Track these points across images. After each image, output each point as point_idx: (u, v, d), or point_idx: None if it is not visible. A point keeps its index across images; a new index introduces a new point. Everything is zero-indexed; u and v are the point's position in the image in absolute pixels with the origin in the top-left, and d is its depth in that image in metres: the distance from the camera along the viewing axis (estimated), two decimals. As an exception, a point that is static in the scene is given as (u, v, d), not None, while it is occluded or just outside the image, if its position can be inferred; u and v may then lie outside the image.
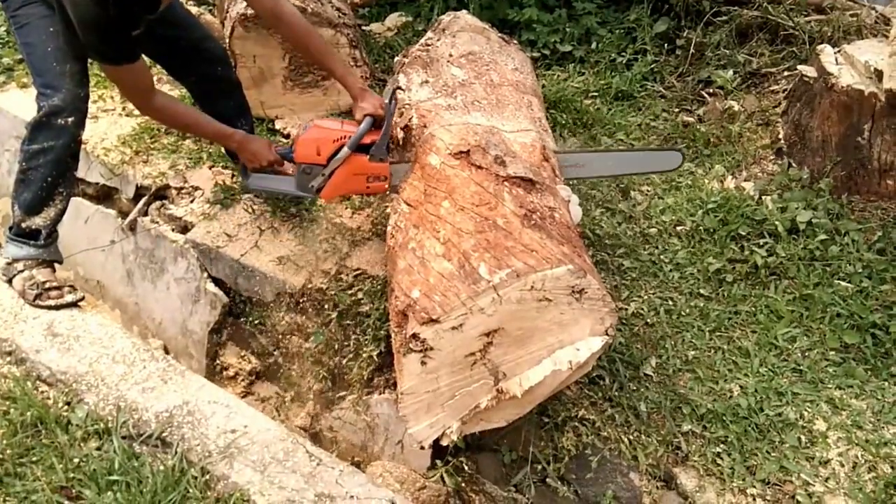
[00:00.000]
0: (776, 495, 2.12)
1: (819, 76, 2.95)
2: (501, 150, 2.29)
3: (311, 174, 2.49)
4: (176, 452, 1.85)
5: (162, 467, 1.80)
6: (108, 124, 3.39)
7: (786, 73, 3.45)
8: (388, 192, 2.57)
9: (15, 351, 2.15)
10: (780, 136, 3.16)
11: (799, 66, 3.11)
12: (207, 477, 1.80)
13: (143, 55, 2.75)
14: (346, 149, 2.43)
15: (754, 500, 2.12)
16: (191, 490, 1.77)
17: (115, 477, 1.80)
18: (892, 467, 2.11)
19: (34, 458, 1.87)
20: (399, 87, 2.87)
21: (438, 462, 2.51)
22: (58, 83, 2.38)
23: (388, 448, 2.63)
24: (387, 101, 2.51)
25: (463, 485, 2.54)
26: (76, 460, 1.85)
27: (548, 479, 2.40)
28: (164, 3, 2.28)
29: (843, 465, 2.16)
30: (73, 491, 1.80)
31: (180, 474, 1.80)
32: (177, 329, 3.01)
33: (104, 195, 3.28)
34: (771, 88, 3.48)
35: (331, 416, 2.74)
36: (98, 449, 1.88)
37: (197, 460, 1.84)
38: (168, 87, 3.63)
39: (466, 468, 2.52)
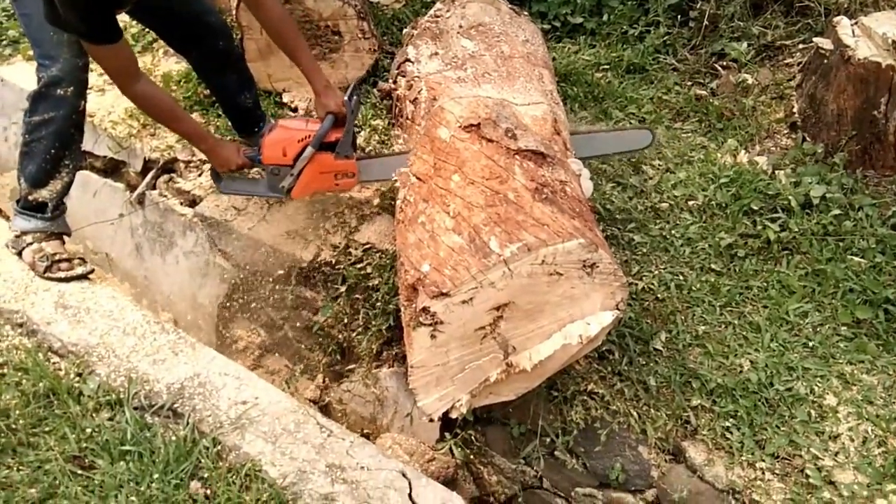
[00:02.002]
0: (785, 469, 2.12)
1: (835, 48, 2.89)
2: (512, 123, 2.26)
3: (279, 175, 2.52)
4: (188, 423, 1.86)
5: (174, 438, 1.82)
6: (115, 97, 3.36)
7: (801, 46, 3.38)
8: (358, 188, 2.58)
9: (26, 322, 2.16)
10: (795, 109, 3.11)
11: (814, 39, 3.05)
12: (219, 447, 1.82)
13: (150, 29, 2.72)
14: (310, 148, 2.45)
15: (763, 473, 2.12)
16: (203, 460, 1.78)
17: (127, 447, 1.81)
18: (902, 442, 2.11)
19: (47, 429, 1.89)
20: (407, 62, 2.84)
21: (447, 435, 2.53)
22: (55, 53, 2.36)
23: (397, 421, 2.64)
24: (347, 97, 2.50)
25: (472, 457, 2.56)
26: (88, 430, 1.86)
27: (556, 452, 2.41)
28: None
29: (853, 440, 2.15)
30: (86, 460, 1.81)
31: (192, 444, 1.81)
32: (186, 303, 3.02)
33: (112, 168, 3.27)
34: (785, 61, 3.42)
35: (340, 389, 2.75)
36: (110, 419, 1.89)
37: (209, 431, 1.85)
38: (174, 60, 3.61)
39: (475, 441, 2.54)
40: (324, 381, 2.81)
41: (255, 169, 2.66)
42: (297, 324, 2.87)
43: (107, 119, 3.22)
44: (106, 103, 3.30)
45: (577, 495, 2.45)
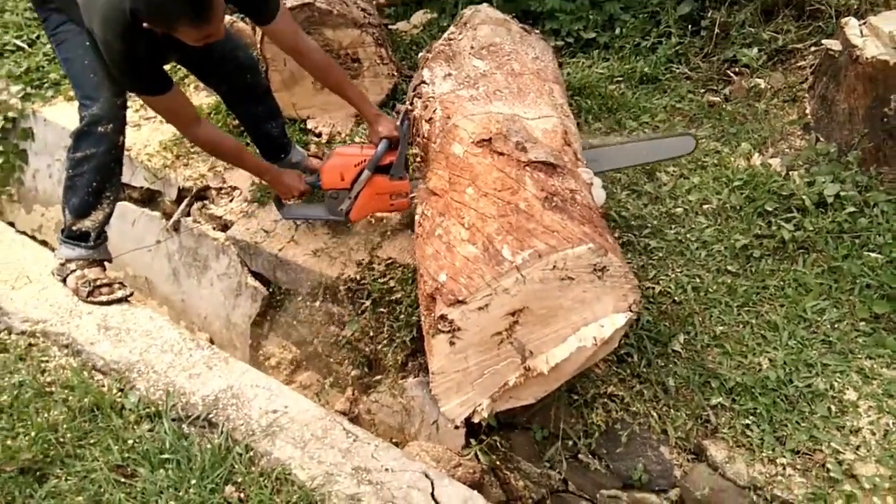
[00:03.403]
0: (806, 464, 2.14)
1: (844, 49, 2.93)
2: (522, 136, 2.35)
3: (338, 199, 2.69)
4: (222, 432, 1.97)
5: (209, 446, 1.93)
6: (150, 131, 3.55)
7: (812, 49, 3.41)
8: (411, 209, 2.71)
9: (71, 344, 2.30)
10: (807, 111, 3.14)
11: (824, 41, 3.09)
12: (251, 453, 1.92)
13: (184, 67, 2.89)
14: (366, 171, 2.61)
15: (784, 469, 2.14)
16: (236, 466, 1.88)
17: (166, 455, 1.93)
18: (924, 435, 2.11)
19: (92, 441, 2.01)
20: (423, 84, 2.96)
21: (473, 441, 2.60)
22: (95, 94, 2.52)
23: (424, 429, 2.71)
24: (399, 122, 2.64)
25: (497, 462, 2.62)
26: (130, 441, 1.98)
27: (579, 455, 2.46)
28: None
29: (874, 434, 2.16)
30: (129, 469, 1.93)
31: (226, 452, 1.92)
32: (221, 322, 3.15)
33: (148, 198, 3.44)
34: (798, 64, 3.45)
35: (368, 400, 2.84)
36: (150, 430, 2.01)
37: (241, 438, 1.96)
38: (204, 94, 3.79)
39: (500, 446, 2.60)
40: (353, 394, 2.91)
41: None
42: (326, 339, 2.98)
43: (143, 152, 3.40)
44: (142, 137, 3.49)
45: (602, 497, 2.48)
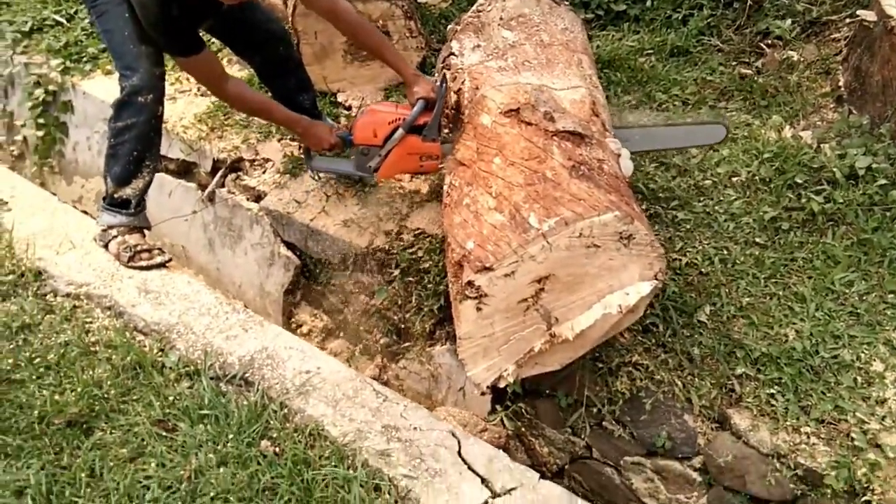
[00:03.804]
0: (831, 433, 2.15)
1: (879, 20, 2.88)
2: (550, 106, 2.37)
3: (368, 155, 2.70)
4: (258, 390, 2.05)
5: (246, 403, 2.01)
6: (185, 104, 3.63)
7: (847, 21, 3.35)
8: (440, 172, 2.73)
9: (114, 306, 2.40)
10: (840, 83, 3.10)
11: (859, 12, 3.04)
12: (286, 411, 2.00)
13: (218, 39, 2.95)
14: (400, 130, 2.62)
15: (808, 437, 2.16)
16: (272, 422, 1.97)
17: (205, 411, 2.01)
18: (949, 405, 2.11)
19: (134, 397, 2.11)
20: (451, 55, 2.98)
21: (498, 407, 2.65)
22: (135, 64, 2.59)
23: (450, 395, 2.78)
24: (438, 83, 2.65)
25: (522, 429, 2.68)
26: (170, 398, 2.08)
27: (604, 422, 2.50)
28: (225, 3, 2.45)
29: (900, 404, 2.17)
30: (169, 424, 2.02)
31: (262, 409, 2.00)
32: (255, 291, 3.24)
33: (185, 170, 3.53)
34: (832, 36, 3.40)
35: (397, 367, 2.91)
36: (189, 388, 2.10)
37: (276, 397, 2.04)
38: (237, 68, 3.85)
39: (525, 413, 2.65)
40: (382, 361, 2.98)
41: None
42: (357, 307, 3.05)
43: (178, 125, 3.48)
44: (178, 110, 3.57)
45: (626, 464, 2.53)
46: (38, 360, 2.21)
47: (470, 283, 2.08)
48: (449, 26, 3.29)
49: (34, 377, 2.16)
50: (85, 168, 3.98)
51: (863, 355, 2.29)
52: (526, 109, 2.36)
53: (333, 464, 1.83)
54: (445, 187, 2.54)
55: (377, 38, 2.73)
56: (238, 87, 2.62)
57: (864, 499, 2.03)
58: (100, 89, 3.85)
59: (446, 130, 2.89)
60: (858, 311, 2.40)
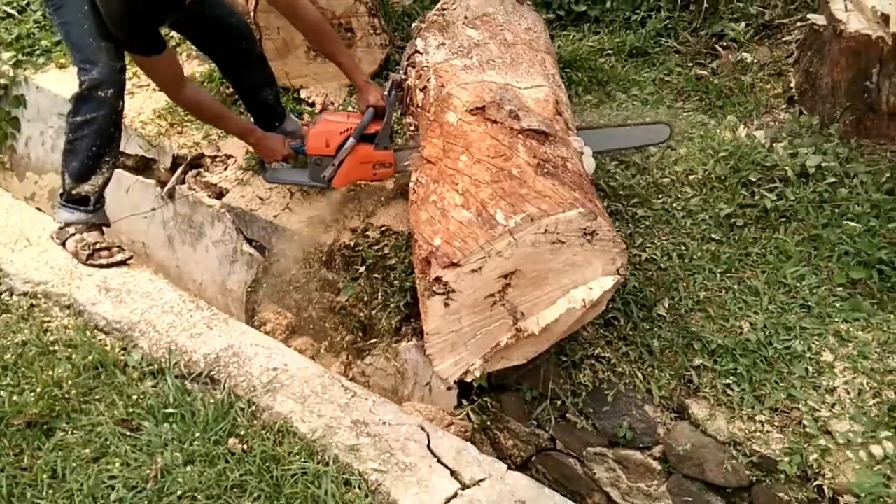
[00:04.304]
0: (784, 421, 2.24)
1: (828, 23, 2.99)
2: (515, 104, 2.40)
3: (321, 165, 2.70)
4: (224, 388, 2.04)
5: (212, 400, 1.99)
6: (144, 99, 3.57)
7: (798, 24, 3.48)
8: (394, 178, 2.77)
9: (73, 304, 2.35)
10: (792, 84, 3.22)
11: (809, 15, 3.15)
12: (254, 408, 1.99)
13: (179, 34, 2.91)
14: (352, 139, 2.63)
15: (763, 425, 2.24)
16: (239, 419, 1.96)
17: (170, 410, 1.99)
18: (895, 393, 2.21)
19: (96, 397, 2.07)
20: (416, 53, 3.00)
21: (465, 402, 2.69)
22: (95, 58, 2.54)
23: (417, 391, 2.80)
24: (387, 92, 2.66)
25: (488, 423, 2.72)
26: (134, 397, 2.05)
27: (567, 415, 2.55)
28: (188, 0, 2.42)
29: (848, 393, 2.25)
30: (133, 423, 1.99)
31: (229, 406, 1.99)
32: (216, 289, 3.21)
33: (143, 166, 3.47)
34: (784, 39, 3.52)
35: (363, 363, 2.92)
36: (153, 387, 2.07)
37: (243, 394, 2.03)
38: (196, 62, 3.80)
39: (490, 407, 2.69)
40: (347, 358, 2.98)
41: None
42: (321, 305, 3.04)
43: (137, 120, 3.42)
44: (136, 105, 3.50)
45: (589, 454, 2.59)
46: (-6, 360, 2.16)
47: (437, 279, 2.10)
48: (414, 24, 3.31)
49: (-9, 378, 2.11)
50: (38, 164, 3.87)
51: (813, 346, 2.38)
52: (491, 107, 2.39)
53: (303, 460, 1.83)
54: (412, 184, 2.56)
55: (333, 41, 2.73)
56: (195, 92, 2.60)
57: (815, 483, 2.11)
58: (54, 83, 3.75)
59: (412, 128, 2.91)
60: (809, 303, 2.49)
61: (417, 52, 3.02)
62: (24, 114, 3.87)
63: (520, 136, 2.30)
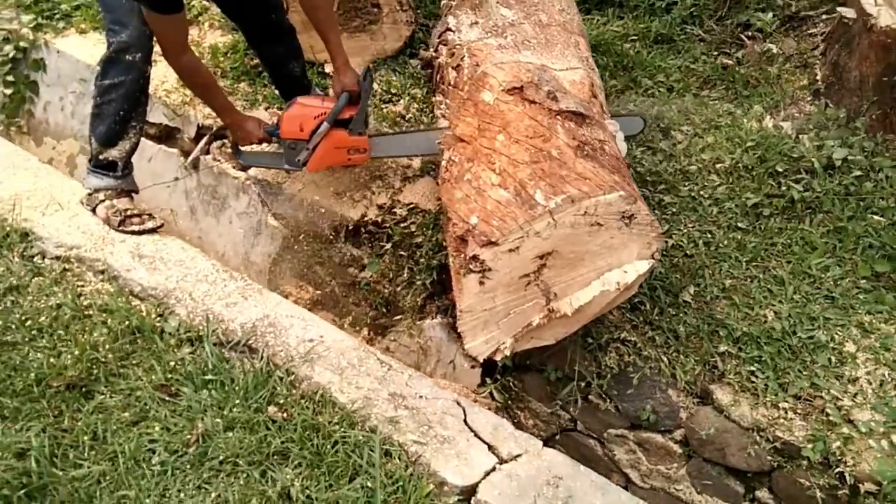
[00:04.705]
0: (807, 409, 2.28)
1: (858, 17, 3.00)
2: (553, 86, 2.41)
3: (296, 149, 2.68)
4: (262, 357, 2.05)
5: (251, 368, 2.01)
6: (166, 67, 3.49)
7: (824, 16, 3.49)
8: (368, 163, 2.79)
9: (107, 270, 2.35)
10: (818, 77, 3.23)
11: (838, 8, 3.16)
12: (292, 377, 2.00)
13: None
14: (325, 124, 2.60)
15: (786, 412, 2.28)
16: (278, 388, 1.97)
17: (209, 377, 2.01)
18: (917, 385, 2.26)
19: (134, 361, 2.08)
20: (448, 31, 2.99)
21: (488, 380, 2.71)
22: (126, 19, 2.51)
23: (440, 368, 2.82)
24: (362, 77, 2.65)
25: (510, 402, 2.75)
26: (172, 363, 2.06)
27: (590, 396, 2.59)
28: None
29: (870, 383, 2.30)
30: (172, 388, 2.01)
31: (268, 375, 2.00)
32: (239, 261, 3.21)
33: (166, 135, 3.45)
34: (809, 31, 3.53)
35: (386, 340, 2.94)
36: (191, 354, 2.08)
37: (281, 363, 2.04)
38: (219, 33, 3.77)
39: (513, 386, 2.72)
40: (369, 334, 3.00)
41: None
42: (344, 280, 3.05)
43: (160, 88, 3.40)
44: (159, 73, 3.44)
45: (610, 436, 2.63)
46: (29, 322, 2.16)
47: (474, 258, 2.12)
48: (443, 1, 3.29)
49: (27, 339, 2.11)
50: (57, 129, 3.84)
51: (837, 336, 2.42)
52: (529, 88, 2.39)
53: (344, 429, 1.85)
54: (443, 163, 2.56)
55: (328, 17, 2.68)
56: (194, 60, 2.57)
57: (837, 470, 2.16)
58: (76, 48, 3.71)
59: (441, 105, 2.91)
60: (833, 294, 2.53)
61: (449, 29, 3.02)
62: (44, 78, 3.83)
63: (558, 117, 2.31)
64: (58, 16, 3.89)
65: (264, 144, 2.83)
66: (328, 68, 3.59)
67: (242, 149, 2.80)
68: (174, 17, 2.36)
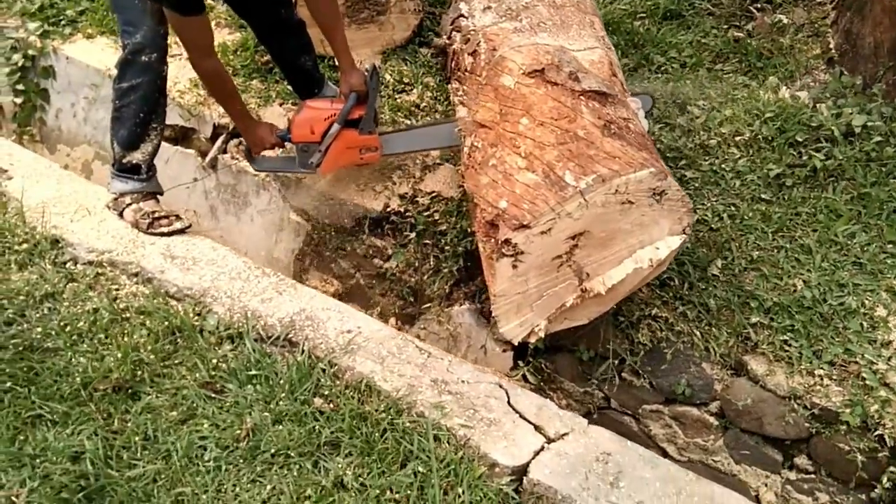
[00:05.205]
0: (842, 374, 2.30)
1: (871, -17, 3.00)
2: (574, 66, 2.41)
3: (308, 152, 2.71)
4: (303, 350, 2.07)
5: (293, 362, 2.02)
6: (178, 68, 3.53)
7: (834, -16, 3.48)
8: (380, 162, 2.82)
9: (140, 272, 2.36)
10: (831, 45, 3.23)
11: (849, -25, 3.16)
12: (335, 369, 2.02)
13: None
14: (336, 125, 2.63)
15: (822, 379, 2.30)
16: (322, 380, 1.99)
17: (252, 372, 2.03)
18: (949, 346, 2.27)
19: (177, 361, 2.10)
20: (461, 17, 2.99)
21: (520, 363, 2.73)
22: (138, 20, 2.51)
23: (470, 354, 2.84)
24: (368, 77, 2.66)
25: (542, 384, 2.76)
26: (214, 361, 2.08)
27: (623, 374, 2.60)
28: None
29: (903, 346, 2.32)
30: (217, 385, 2.03)
31: (310, 367, 2.02)
32: (263, 257, 3.22)
33: (182, 136, 3.45)
34: (818, 0, 3.52)
35: (415, 329, 2.95)
36: (233, 350, 2.10)
37: (323, 356, 2.06)
38: (227, 31, 3.77)
39: (545, 368, 2.74)
40: (397, 323, 3.01)
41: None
42: (369, 272, 3.06)
43: (174, 89, 3.39)
44: (171, 74, 3.40)
45: (645, 412, 2.65)
46: (68, 327, 2.18)
47: (507, 241, 2.13)
48: (454, -12, 3.28)
49: (68, 345, 2.12)
50: (70, 136, 3.85)
51: (867, 302, 2.43)
52: (550, 70, 2.39)
53: (391, 417, 1.87)
54: (465, 149, 2.57)
55: (333, 17, 2.69)
56: (219, 67, 2.57)
57: (876, 433, 2.18)
58: (84, 54, 3.71)
59: (459, 93, 2.91)
60: (861, 260, 2.54)
61: (462, 16, 3.01)
62: (54, 85, 3.83)
63: (581, 97, 2.31)
64: (63, 22, 3.89)
65: (277, 149, 2.85)
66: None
67: (255, 154, 2.82)
68: (197, 20, 2.37)
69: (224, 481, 1.78)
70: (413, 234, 2.91)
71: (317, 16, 2.71)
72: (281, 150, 2.89)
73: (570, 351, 2.71)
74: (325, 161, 2.71)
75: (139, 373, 2.05)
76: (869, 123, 2.81)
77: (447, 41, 3.10)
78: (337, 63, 2.75)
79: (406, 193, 2.94)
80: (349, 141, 2.69)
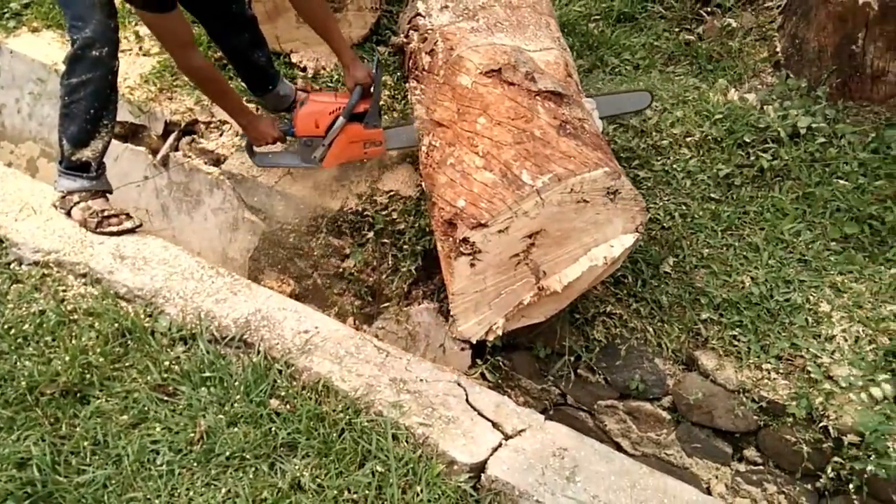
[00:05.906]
0: (788, 368, 2.37)
1: (815, -11, 3.10)
2: (530, 67, 2.43)
3: (312, 146, 2.69)
4: (258, 351, 2.04)
5: (249, 363, 2.00)
6: (128, 64, 3.45)
7: (780, -10, 3.59)
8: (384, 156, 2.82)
9: (89, 273, 2.30)
10: (778, 49, 3.33)
11: (795, -18, 3.25)
12: (292, 369, 2.00)
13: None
14: (341, 119, 2.63)
15: (769, 373, 2.37)
16: (278, 381, 1.97)
17: (206, 374, 1.99)
18: (889, 339, 2.36)
19: (127, 363, 2.05)
20: (418, 16, 2.99)
21: (479, 361, 2.75)
22: (87, 14, 2.44)
23: (429, 353, 2.84)
24: (374, 69, 2.66)
25: (500, 381, 2.79)
26: (167, 363, 2.03)
27: (579, 370, 2.64)
28: None
29: (846, 340, 2.40)
30: (170, 388, 1.99)
31: (267, 368, 1.99)
32: (216, 257, 3.17)
33: (132, 133, 3.37)
34: (766, 5, 3.62)
35: (373, 328, 2.94)
36: (185, 352, 2.06)
37: (279, 356, 2.03)
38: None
39: (503, 366, 2.76)
40: (355, 323, 3.00)
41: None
42: (326, 271, 3.04)
43: (123, 85, 3.30)
44: (121, 70, 3.35)
45: (600, 407, 2.69)
46: (13, 330, 2.11)
47: (465, 240, 2.14)
48: (409, -14, 3.27)
49: (13, 348, 2.05)
50: (14, 133, 3.71)
51: (812, 297, 2.52)
52: (507, 70, 2.41)
53: (349, 417, 1.86)
54: (423, 148, 2.57)
55: (326, 19, 2.66)
56: (203, 62, 2.49)
57: (821, 424, 2.25)
58: (29, 47, 3.59)
59: (416, 91, 2.90)
60: (806, 258, 2.63)
61: (419, 14, 3.01)
62: (-3, 80, 3.70)
63: (538, 97, 2.34)
64: (7, 15, 3.75)
65: (278, 144, 2.80)
66: (294, 58, 3.55)
67: (257, 149, 2.77)
68: (170, 16, 2.29)
69: (177, 485, 1.74)
70: (371, 234, 2.90)
71: (308, 16, 2.68)
72: (282, 144, 2.84)
73: (528, 348, 2.74)
74: (329, 155, 2.69)
75: (88, 376, 1.99)
76: (813, 125, 2.91)
77: (405, 40, 3.09)
78: (338, 62, 2.71)
79: (364, 192, 2.93)
80: (354, 135, 2.68)
